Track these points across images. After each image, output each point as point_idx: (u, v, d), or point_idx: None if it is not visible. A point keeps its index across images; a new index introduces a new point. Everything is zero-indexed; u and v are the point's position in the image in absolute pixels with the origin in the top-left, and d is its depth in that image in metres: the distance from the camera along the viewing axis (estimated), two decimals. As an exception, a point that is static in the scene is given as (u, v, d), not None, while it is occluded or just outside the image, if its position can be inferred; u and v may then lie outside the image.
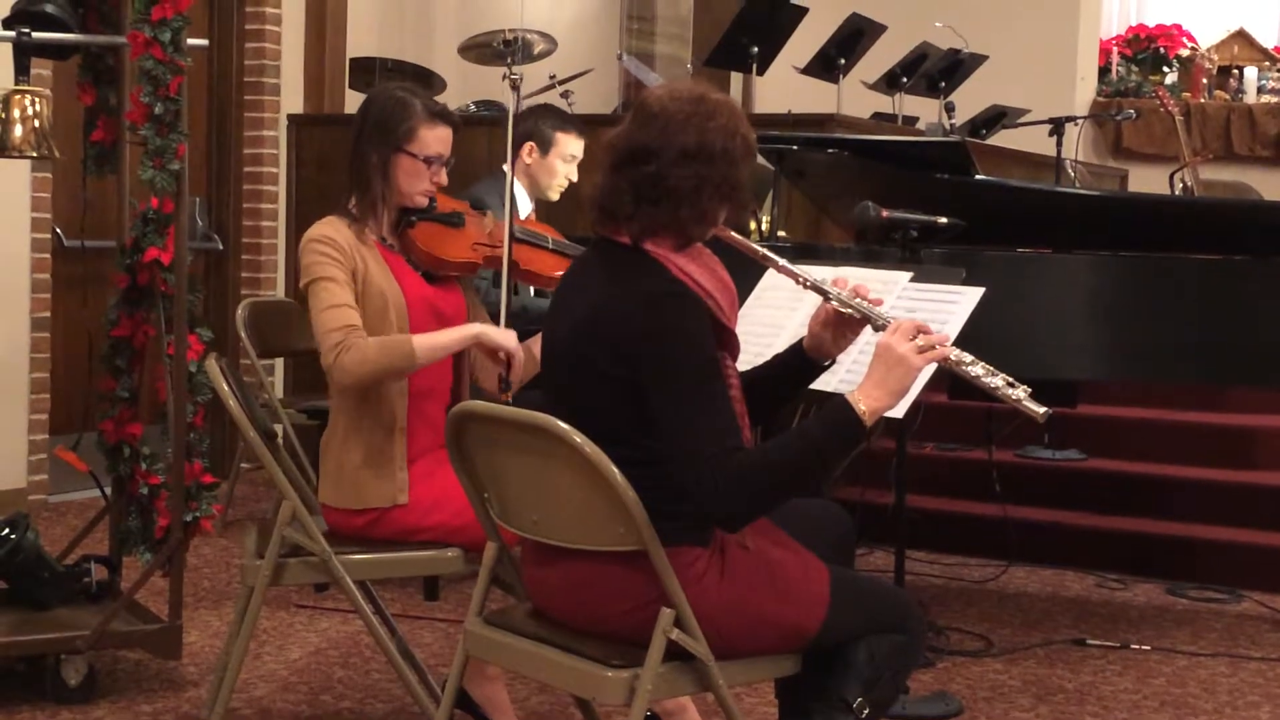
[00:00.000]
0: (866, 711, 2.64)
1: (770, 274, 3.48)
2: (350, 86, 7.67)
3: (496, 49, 7.52)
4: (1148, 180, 9.49)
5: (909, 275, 3.57)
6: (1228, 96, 10.47)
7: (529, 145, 4.88)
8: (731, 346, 2.65)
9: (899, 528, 4.17)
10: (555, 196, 4.97)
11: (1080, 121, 8.33)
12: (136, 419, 4.01)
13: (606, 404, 2.57)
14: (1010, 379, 2.61)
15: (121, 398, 3.99)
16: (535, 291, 4.74)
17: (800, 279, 2.73)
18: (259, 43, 7.18)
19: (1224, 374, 4.69)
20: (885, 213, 3.87)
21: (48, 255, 6.13)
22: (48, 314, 6.14)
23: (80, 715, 3.71)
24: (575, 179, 4.95)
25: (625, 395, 2.54)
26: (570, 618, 2.67)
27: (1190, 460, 5.90)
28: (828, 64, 7.46)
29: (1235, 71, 10.59)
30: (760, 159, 5.19)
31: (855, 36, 7.44)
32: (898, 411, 3.07)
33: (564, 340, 2.66)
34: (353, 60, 7.67)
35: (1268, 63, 10.66)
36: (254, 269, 7.22)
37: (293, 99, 7.35)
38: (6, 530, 3.96)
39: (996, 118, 8.39)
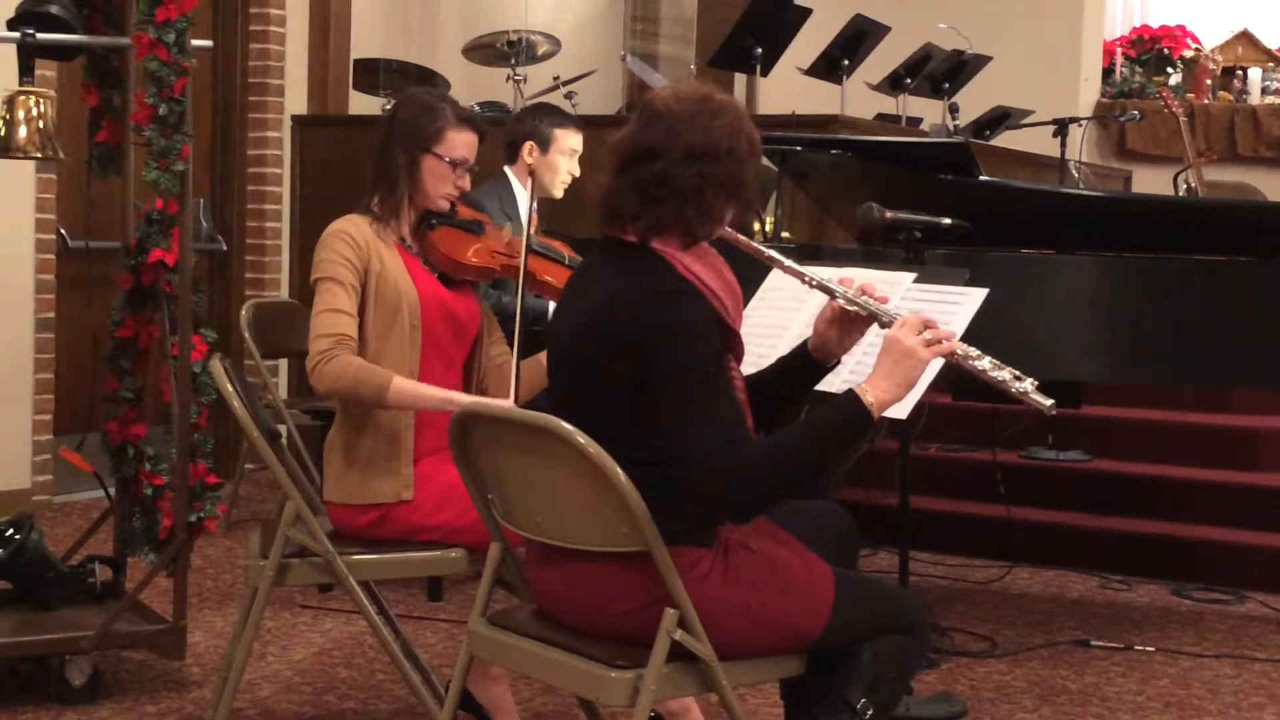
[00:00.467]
0: (870, 713, 2.64)
1: (774, 275, 3.48)
2: (354, 88, 7.68)
3: (500, 50, 7.54)
4: (1152, 181, 9.48)
5: (912, 276, 3.57)
6: (1232, 97, 10.47)
7: (529, 145, 4.88)
8: (736, 348, 2.65)
9: (903, 528, 4.17)
10: (559, 193, 4.97)
11: (1084, 122, 8.33)
12: (141, 420, 4.01)
13: (611, 403, 2.57)
14: (1017, 372, 2.63)
15: (126, 398, 3.99)
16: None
17: (806, 278, 2.74)
18: (263, 44, 7.19)
19: (1228, 375, 4.69)
20: (889, 214, 3.87)
21: (52, 256, 6.14)
22: (52, 315, 6.14)
23: (84, 715, 3.71)
24: (578, 173, 4.95)
25: (630, 393, 2.55)
26: (574, 618, 2.67)
27: (1194, 461, 5.90)
28: (831, 65, 7.46)
29: (1239, 72, 10.58)
30: (764, 160, 5.20)
31: (859, 37, 7.44)
32: (901, 411, 3.07)
33: (570, 339, 2.67)
34: (356, 61, 7.67)
35: (1272, 64, 10.65)
36: (258, 270, 7.23)
37: (297, 100, 7.36)
38: (11, 531, 3.96)
39: (1000, 119, 8.39)
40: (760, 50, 6.91)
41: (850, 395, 2.54)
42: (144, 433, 4.00)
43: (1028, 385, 2.62)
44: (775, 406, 2.82)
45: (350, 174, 6.96)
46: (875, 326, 2.71)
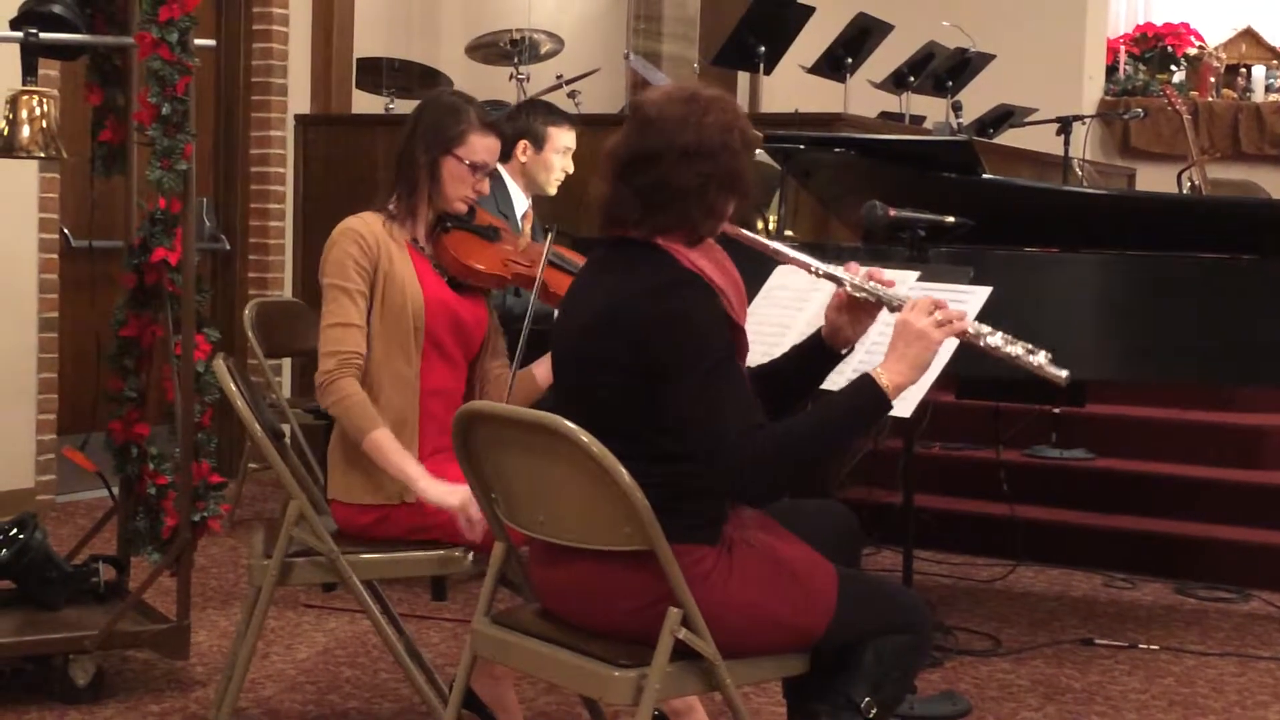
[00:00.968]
0: (874, 711, 2.64)
1: (777, 273, 3.48)
2: (357, 87, 7.68)
3: (503, 49, 7.54)
4: (1155, 179, 9.48)
5: (916, 275, 3.57)
6: (1236, 95, 10.45)
7: (523, 143, 4.89)
8: (740, 344, 2.66)
9: (907, 527, 4.17)
10: (553, 191, 4.98)
11: (1088, 120, 8.30)
12: (144, 419, 4.01)
13: (618, 399, 2.58)
14: (1029, 345, 2.64)
15: (129, 398, 3.99)
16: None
17: (813, 268, 2.75)
18: (266, 43, 7.19)
19: (1231, 374, 4.68)
20: (892, 212, 3.86)
21: (55, 255, 6.14)
22: (55, 314, 6.14)
23: (88, 715, 3.71)
24: (571, 170, 4.96)
25: (638, 388, 2.55)
26: (577, 617, 2.67)
27: (1198, 460, 5.90)
28: (835, 63, 7.45)
29: (1243, 70, 10.57)
30: (767, 159, 5.19)
31: (862, 36, 7.43)
32: (905, 410, 3.08)
33: (577, 336, 2.68)
34: (359, 60, 7.67)
35: (1276, 61, 10.63)
36: (261, 269, 7.23)
37: (300, 99, 7.36)
38: (14, 530, 3.96)
39: (1004, 117, 8.38)
40: (763, 49, 6.91)
41: (866, 379, 2.57)
42: (147, 432, 4.00)
43: (1042, 359, 2.66)
44: (788, 395, 2.83)
45: (353, 173, 6.97)
46: (885, 311, 2.72)
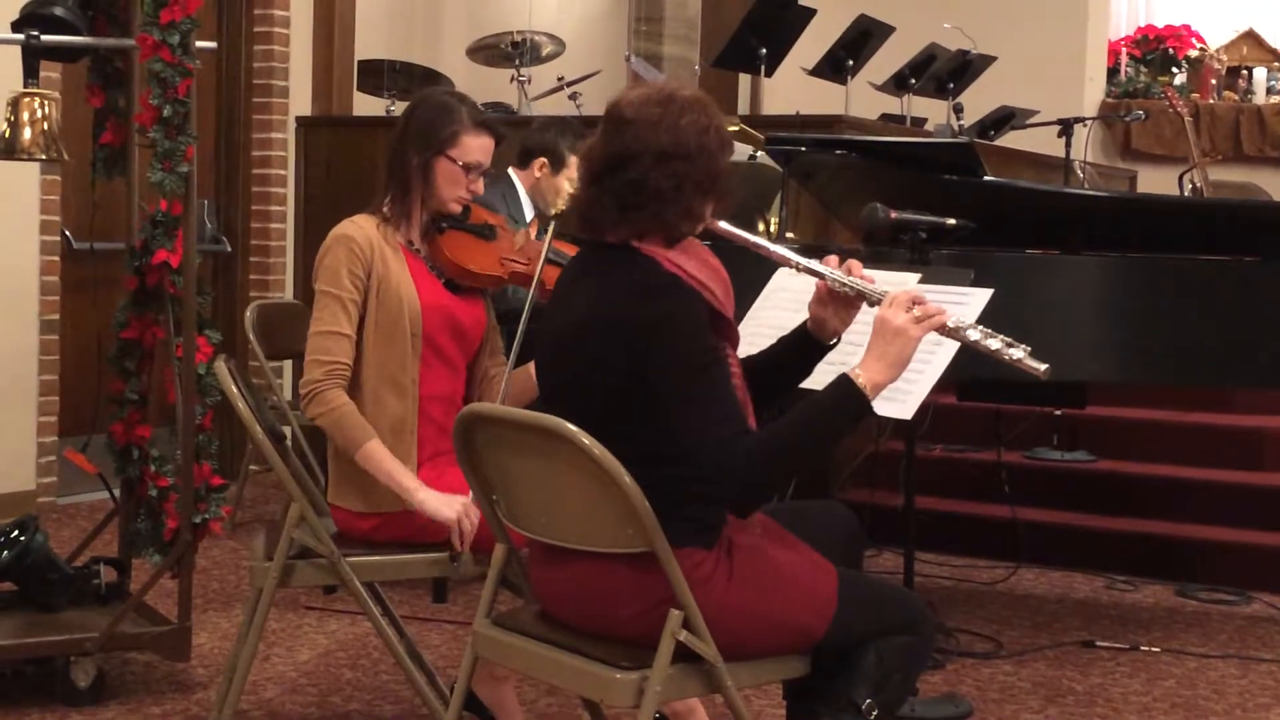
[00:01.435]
0: (875, 713, 2.64)
1: (777, 276, 3.48)
2: (358, 88, 7.69)
3: (505, 51, 7.55)
4: (1156, 181, 9.47)
5: (917, 276, 3.56)
6: (1237, 97, 10.45)
7: (541, 160, 4.87)
8: (731, 336, 2.65)
9: (908, 529, 4.17)
10: (562, 205, 4.96)
11: (1089, 122, 8.29)
12: (145, 421, 4.01)
13: (604, 403, 2.57)
14: (1009, 340, 2.63)
15: (130, 400, 3.99)
16: None
17: (793, 263, 2.75)
18: (267, 45, 7.19)
19: (1233, 375, 4.68)
20: (894, 214, 3.86)
21: (57, 257, 6.15)
22: (56, 316, 6.15)
23: (89, 717, 3.71)
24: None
25: (624, 394, 2.55)
26: (578, 619, 2.67)
27: (1199, 462, 5.90)
28: (836, 65, 7.45)
29: (1244, 72, 10.56)
30: (768, 160, 5.19)
31: (863, 38, 7.43)
32: (906, 412, 3.07)
33: (561, 342, 2.67)
34: (361, 62, 7.67)
35: (1277, 63, 10.63)
36: (262, 271, 7.23)
37: (301, 101, 7.36)
38: (15, 532, 3.96)
39: (1005, 119, 8.38)
40: (765, 50, 6.91)
41: (844, 379, 2.55)
42: (149, 434, 4.00)
43: (1020, 352, 2.63)
44: (778, 385, 2.83)
45: (355, 175, 6.97)
46: (867, 306, 2.71)
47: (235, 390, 3.26)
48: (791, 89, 7.70)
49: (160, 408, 4.02)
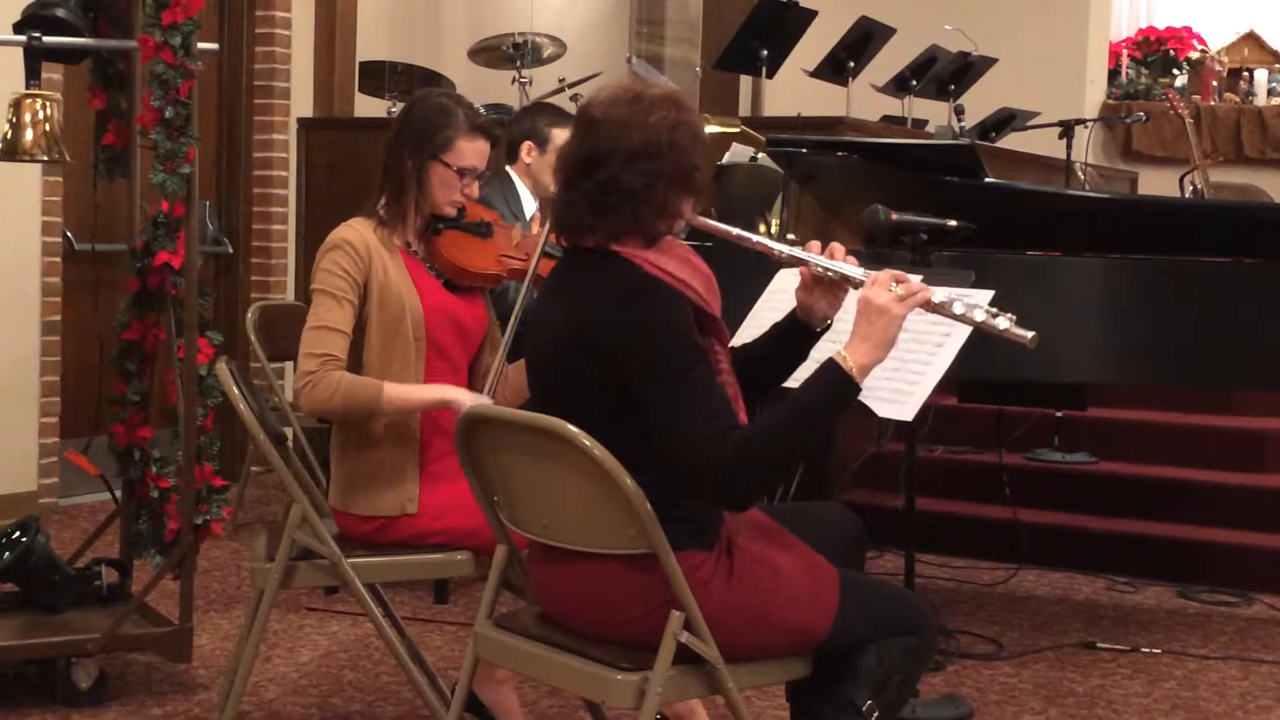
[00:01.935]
0: (876, 714, 2.64)
1: (778, 277, 3.48)
2: (360, 90, 7.69)
3: (506, 52, 7.55)
4: (1157, 183, 9.47)
5: (918, 278, 3.57)
6: (1238, 99, 10.45)
7: (527, 145, 4.92)
8: (719, 333, 2.65)
9: (909, 530, 4.17)
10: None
11: (1090, 124, 8.30)
12: (147, 422, 4.01)
13: (595, 410, 2.56)
14: (992, 309, 2.62)
15: (132, 401, 4.00)
16: None
17: (776, 252, 2.74)
18: (269, 46, 7.20)
19: (1234, 377, 4.68)
20: (895, 216, 3.87)
21: (58, 259, 6.15)
22: (58, 317, 6.15)
23: (90, 718, 3.72)
24: None
25: (612, 399, 2.54)
26: (579, 621, 2.67)
27: (1200, 463, 5.89)
28: (837, 67, 7.46)
29: (1245, 74, 10.56)
30: (769, 163, 5.20)
31: (865, 39, 7.43)
32: (907, 413, 3.07)
33: (547, 350, 2.67)
34: (362, 64, 7.68)
35: (1278, 65, 10.63)
36: (264, 272, 7.23)
37: (302, 103, 7.37)
38: (17, 533, 3.97)
39: (1006, 120, 8.38)
40: (766, 52, 6.91)
41: (830, 364, 2.54)
42: (150, 435, 4.01)
43: (1006, 321, 2.61)
44: (771, 375, 2.82)
45: (356, 176, 6.97)
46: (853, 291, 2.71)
47: (237, 391, 3.26)
48: (793, 91, 7.69)
49: (162, 409, 4.02)
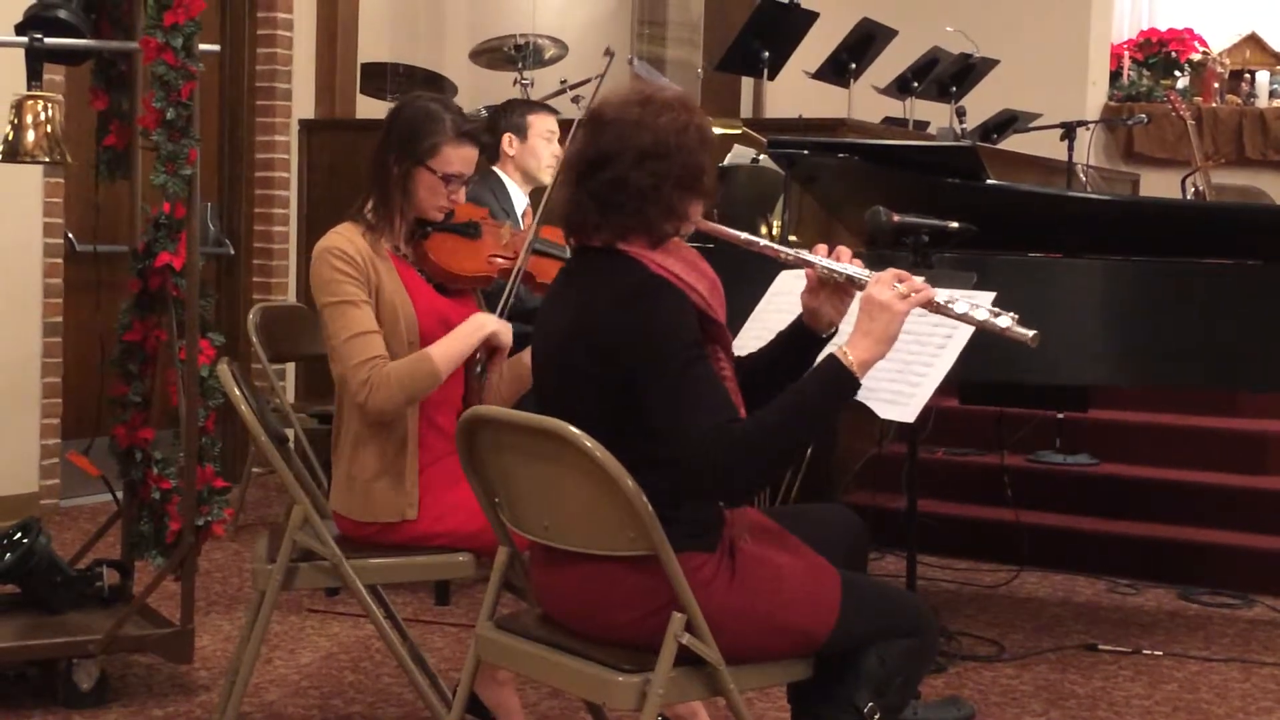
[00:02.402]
0: (878, 716, 2.64)
1: (780, 279, 3.48)
2: (361, 92, 7.69)
3: (507, 54, 7.55)
4: (1159, 185, 9.47)
5: (920, 279, 3.57)
6: (1239, 101, 10.44)
7: (508, 137, 4.99)
8: (721, 339, 2.65)
9: (911, 532, 4.17)
10: (548, 178, 5.02)
11: (1091, 126, 8.31)
12: (148, 423, 4.01)
13: (598, 408, 2.57)
14: (994, 309, 2.63)
15: (133, 402, 4.00)
16: None
17: (782, 254, 2.75)
18: (270, 48, 7.20)
19: (1235, 379, 4.68)
20: (896, 217, 3.86)
21: (60, 260, 6.15)
22: (60, 319, 6.15)
23: (92, 719, 3.71)
24: (560, 155, 5.02)
25: (616, 397, 2.54)
26: (580, 622, 2.67)
27: (1202, 465, 5.89)
28: (839, 69, 7.46)
29: (1247, 76, 10.55)
30: (771, 164, 5.20)
31: (866, 41, 7.44)
32: (909, 415, 3.07)
33: (551, 349, 2.68)
34: (364, 65, 7.68)
35: (1280, 67, 10.64)
36: (265, 274, 7.24)
37: (304, 104, 7.37)
38: (19, 535, 3.97)
39: (1008, 122, 8.38)
40: (767, 54, 6.92)
41: (831, 359, 2.55)
42: (151, 436, 4.01)
43: (1008, 320, 2.63)
44: (775, 382, 2.81)
45: (357, 177, 6.88)
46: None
47: (238, 393, 3.25)
48: (794, 92, 7.69)
49: (163, 410, 4.02)
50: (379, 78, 7.57)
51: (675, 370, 2.49)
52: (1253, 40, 10.71)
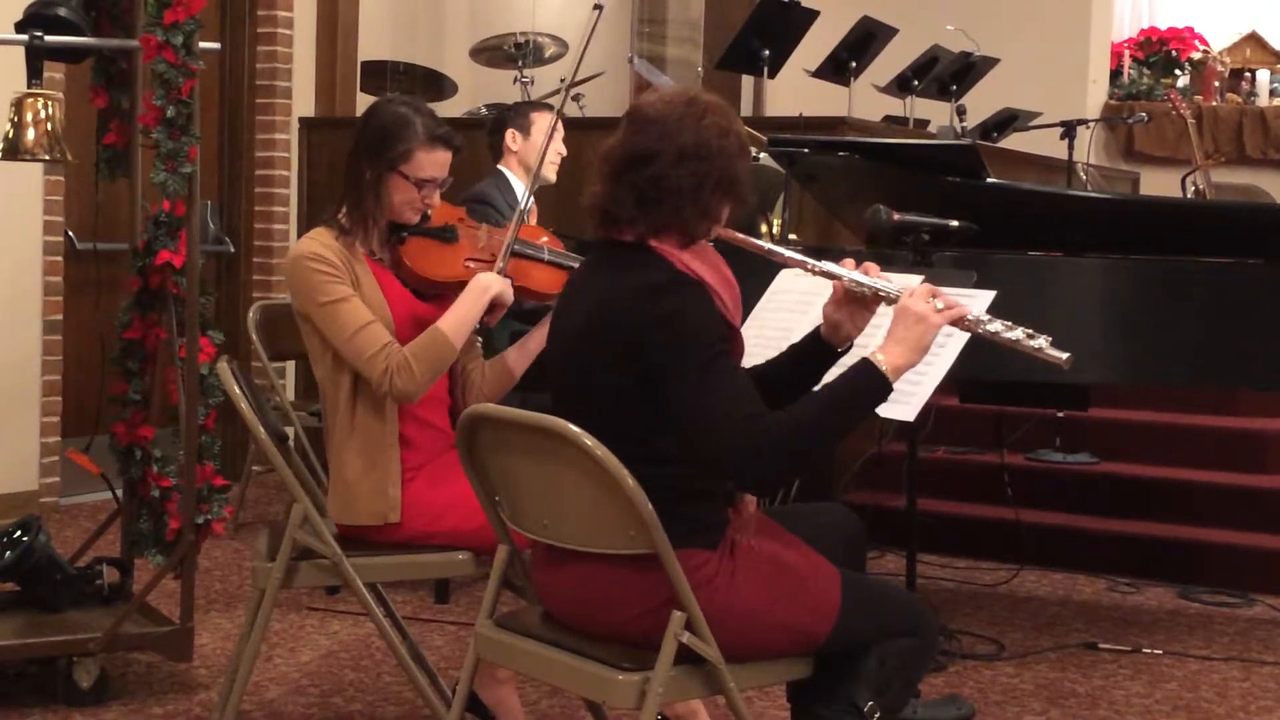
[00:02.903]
0: (878, 715, 2.64)
1: (781, 277, 3.48)
2: (362, 90, 7.69)
3: (508, 52, 7.55)
4: (1159, 183, 9.47)
5: (920, 278, 3.56)
6: (1240, 99, 10.45)
7: (511, 132, 5.05)
8: (736, 345, 2.66)
9: (911, 531, 4.17)
10: (553, 175, 5.04)
11: (1092, 124, 8.30)
12: (148, 421, 4.01)
13: (615, 400, 2.58)
14: (1030, 330, 2.65)
15: (133, 400, 4.00)
16: None
17: (809, 266, 2.76)
18: (271, 46, 7.19)
19: (1235, 377, 4.68)
20: (896, 216, 3.86)
21: (60, 258, 6.15)
22: (60, 316, 6.15)
23: (91, 717, 3.72)
24: (564, 153, 5.05)
25: (635, 389, 2.55)
26: (580, 621, 2.67)
27: (1202, 464, 5.89)
28: (839, 67, 7.46)
29: (1247, 74, 10.56)
30: (771, 162, 5.19)
31: (866, 39, 7.43)
32: (909, 413, 3.07)
33: (572, 340, 2.68)
34: (364, 63, 7.68)
35: (1280, 65, 10.64)
36: (265, 272, 7.23)
37: (304, 102, 7.37)
38: (19, 533, 3.97)
39: (1008, 121, 8.38)
40: (768, 52, 6.91)
41: (865, 362, 2.57)
42: (151, 435, 4.01)
43: (1042, 342, 2.66)
44: (787, 395, 2.82)
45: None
46: (883, 307, 2.72)
47: (238, 391, 3.25)
48: (794, 91, 7.69)
49: (163, 408, 4.02)
50: (379, 76, 7.57)
51: (701, 364, 2.50)
52: (1253, 39, 10.72)
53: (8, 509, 5.61)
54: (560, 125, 5.05)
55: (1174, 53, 10.78)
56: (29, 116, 3.77)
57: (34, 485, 6.07)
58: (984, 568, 5.53)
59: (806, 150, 4.77)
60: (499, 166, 5.03)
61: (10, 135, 3.80)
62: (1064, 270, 4.53)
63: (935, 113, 8.41)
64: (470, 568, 3.29)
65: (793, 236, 5.59)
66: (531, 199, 4.96)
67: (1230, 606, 5.14)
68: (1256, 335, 4.37)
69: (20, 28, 3.83)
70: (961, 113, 7.95)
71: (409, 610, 4.58)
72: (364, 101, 7.73)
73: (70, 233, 6.18)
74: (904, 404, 3.10)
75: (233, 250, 7.16)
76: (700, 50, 9.89)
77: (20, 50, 3.82)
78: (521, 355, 3.40)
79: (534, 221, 4.85)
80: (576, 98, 7.10)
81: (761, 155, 5.27)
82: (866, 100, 7.78)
